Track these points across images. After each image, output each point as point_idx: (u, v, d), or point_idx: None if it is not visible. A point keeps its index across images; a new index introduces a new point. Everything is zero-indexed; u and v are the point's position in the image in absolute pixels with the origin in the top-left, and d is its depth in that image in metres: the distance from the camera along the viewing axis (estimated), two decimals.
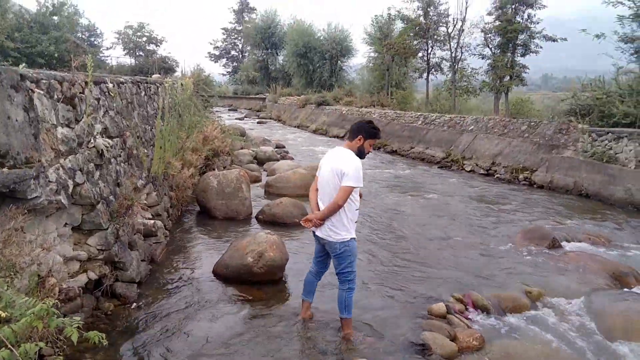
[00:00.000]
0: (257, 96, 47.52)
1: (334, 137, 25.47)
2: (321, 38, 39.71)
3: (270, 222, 7.82)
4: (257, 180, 11.42)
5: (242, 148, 14.76)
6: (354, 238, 4.00)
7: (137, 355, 3.79)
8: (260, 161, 14.29)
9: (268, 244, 5.23)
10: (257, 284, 5.21)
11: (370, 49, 32.01)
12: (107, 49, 41.19)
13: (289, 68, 41.75)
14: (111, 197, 4.67)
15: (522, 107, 17.76)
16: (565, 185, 11.56)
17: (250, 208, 8.18)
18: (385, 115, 22.99)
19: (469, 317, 4.78)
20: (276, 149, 16.92)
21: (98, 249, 4.26)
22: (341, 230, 3.90)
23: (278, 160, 14.25)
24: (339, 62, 39.34)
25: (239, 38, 62.91)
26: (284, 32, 46.24)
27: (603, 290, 5.51)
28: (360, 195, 4.15)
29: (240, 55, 63.57)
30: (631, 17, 14.28)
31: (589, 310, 4.99)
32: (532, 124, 14.01)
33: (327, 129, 27.29)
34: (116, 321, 4.28)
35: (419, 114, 20.61)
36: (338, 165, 3.84)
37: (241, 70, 55.32)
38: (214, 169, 9.55)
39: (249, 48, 56.35)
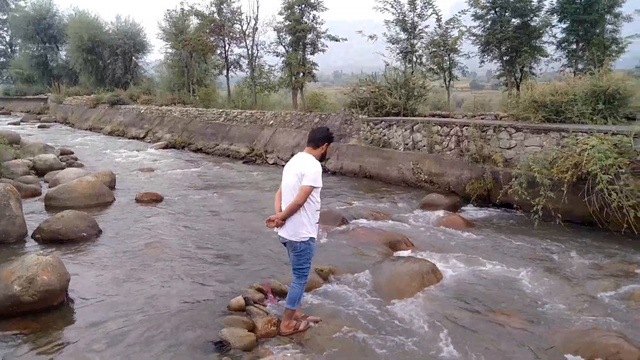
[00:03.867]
0: (36, 97, 41.15)
1: (133, 138, 23.71)
2: (110, 32, 36.33)
3: (51, 240, 6.84)
4: (35, 193, 9.89)
5: (15, 158, 12.62)
6: (314, 238, 4.20)
7: None
8: (40, 171, 12.42)
9: (40, 266, 4.54)
10: (31, 314, 4.49)
11: (167, 44, 30.60)
12: None
13: (74, 64, 37.09)
14: None
15: (317, 101, 19.21)
16: (353, 170, 12.96)
17: (23, 227, 7.02)
18: (187, 113, 22.33)
19: (268, 304, 4.95)
20: (61, 156, 14.93)
21: None
22: (302, 229, 4.10)
23: (63, 168, 12.56)
24: (133, 58, 36.61)
25: (5, 29, 53.18)
26: (65, 24, 40.81)
27: (382, 259, 6.30)
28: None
29: (9, 50, 53.89)
30: (394, 21, 16.70)
31: (372, 278, 5.65)
32: (323, 116, 15.28)
33: (124, 130, 25.23)
34: None
35: (221, 110, 20.56)
36: (299, 169, 4.09)
37: (12, 67, 47.08)
38: None
39: (19, 41, 48.03)
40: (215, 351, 3.94)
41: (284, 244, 4.29)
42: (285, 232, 4.17)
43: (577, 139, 8.05)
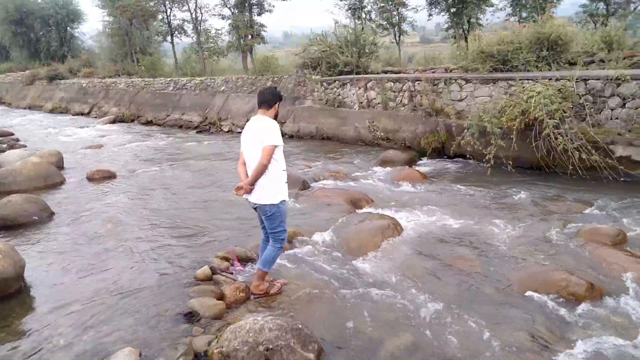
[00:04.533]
0: None
1: (78, 114, 22.57)
2: (40, 1, 33.77)
3: (0, 226, 6.52)
4: None
5: None
6: (284, 200, 4.18)
7: None
8: None
9: None
10: None
11: (104, 12, 28.81)
12: None
13: (2, 38, 34.47)
14: None
15: (269, 64, 18.81)
16: (310, 132, 12.91)
17: None
18: (133, 85, 21.37)
19: (235, 271, 4.96)
20: (1, 139, 14.05)
21: None
22: (270, 193, 4.07)
23: (4, 151, 11.85)
24: (68, 28, 34.36)
25: None
26: None
27: (344, 217, 6.39)
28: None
29: None
30: None
31: (335, 237, 5.74)
32: (275, 79, 14.99)
33: (67, 106, 23.95)
34: None
35: (169, 79, 19.80)
36: (258, 131, 4.02)
37: None
38: None
39: None
40: (185, 322, 3.94)
41: (255, 209, 4.26)
42: (254, 197, 4.14)
43: (523, 87, 8.30)
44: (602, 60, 8.99)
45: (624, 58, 8.61)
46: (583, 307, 3.94)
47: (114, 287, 4.63)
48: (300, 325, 3.54)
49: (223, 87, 16.80)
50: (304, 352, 3.34)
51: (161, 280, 4.78)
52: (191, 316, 3.99)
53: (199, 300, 4.16)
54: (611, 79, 7.65)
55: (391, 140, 10.99)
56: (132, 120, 19.26)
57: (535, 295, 4.16)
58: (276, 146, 4.02)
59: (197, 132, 15.63)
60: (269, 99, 4.18)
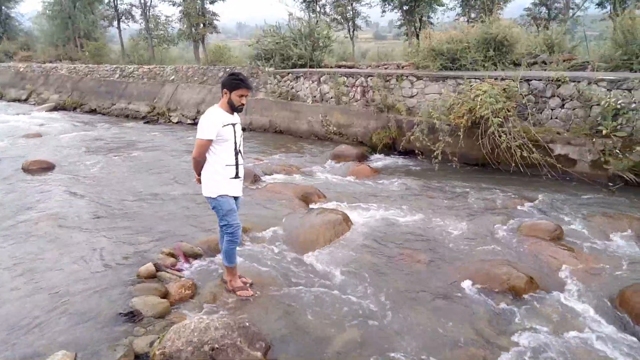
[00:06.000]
0: None
1: (14, 100, 21.19)
2: None
3: None
4: None
5: None
6: (224, 195, 3.97)
7: None
8: None
9: None
10: None
11: None
12: None
13: None
14: None
15: (221, 55, 18.36)
16: (263, 125, 12.74)
17: None
18: (76, 71, 20.28)
19: (181, 268, 4.80)
20: None
21: None
22: (208, 186, 3.97)
23: None
24: (3, 8, 32.11)
25: None
26: None
27: (295, 212, 6.35)
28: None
29: None
30: None
31: (285, 232, 5.69)
32: (227, 70, 14.66)
33: (2, 92, 22.49)
34: None
35: (115, 66, 18.94)
36: None
37: None
38: None
39: None
40: (126, 322, 3.76)
41: None
42: (202, 188, 4.05)
43: (471, 85, 8.55)
44: (544, 62, 9.41)
45: (564, 61, 9.06)
46: (523, 300, 4.10)
47: (49, 286, 4.36)
48: (247, 323, 3.47)
49: (173, 77, 16.26)
50: (251, 351, 3.28)
51: (101, 278, 4.54)
52: (133, 316, 3.81)
53: (141, 299, 3.99)
54: (552, 80, 8.01)
55: (344, 135, 11.03)
56: (75, 109, 18.30)
57: (479, 289, 4.28)
58: (209, 140, 3.82)
59: (145, 123, 15.05)
60: (220, 86, 4.00)
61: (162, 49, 22.55)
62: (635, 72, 8.02)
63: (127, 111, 16.49)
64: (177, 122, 14.48)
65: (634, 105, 7.12)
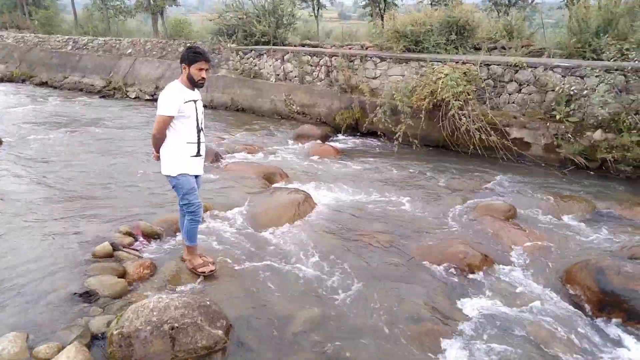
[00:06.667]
0: None
1: None
2: None
3: None
4: None
5: None
6: (184, 174, 3.87)
7: None
8: None
9: None
10: None
11: None
12: None
13: None
14: None
15: (181, 29, 17.73)
16: (224, 103, 12.50)
17: None
18: (24, 40, 19.14)
19: (139, 248, 4.69)
20: None
21: None
22: (167, 164, 3.86)
23: None
24: None
25: None
26: None
27: (258, 192, 6.31)
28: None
29: None
30: None
31: (247, 211, 5.64)
32: (188, 44, 14.19)
33: None
34: None
35: (67, 37, 17.99)
36: None
37: None
38: None
39: None
40: (82, 302, 3.65)
41: None
42: (161, 167, 3.93)
43: (433, 68, 8.66)
44: (503, 47, 9.63)
45: (522, 47, 9.29)
46: (477, 276, 4.27)
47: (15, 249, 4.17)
48: (208, 302, 3.44)
49: (130, 50, 15.61)
50: (211, 330, 3.27)
51: (55, 259, 4.37)
52: (89, 296, 3.71)
53: (97, 279, 3.88)
54: (510, 65, 8.22)
55: (307, 115, 10.98)
56: (24, 81, 17.33)
57: (436, 267, 4.42)
58: (170, 116, 3.68)
59: (101, 97, 14.45)
60: (180, 60, 3.85)
61: (118, 20, 21.55)
62: (588, 59, 8.35)
63: (81, 85, 15.75)
64: (134, 98, 13.97)
65: (585, 92, 7.43)
